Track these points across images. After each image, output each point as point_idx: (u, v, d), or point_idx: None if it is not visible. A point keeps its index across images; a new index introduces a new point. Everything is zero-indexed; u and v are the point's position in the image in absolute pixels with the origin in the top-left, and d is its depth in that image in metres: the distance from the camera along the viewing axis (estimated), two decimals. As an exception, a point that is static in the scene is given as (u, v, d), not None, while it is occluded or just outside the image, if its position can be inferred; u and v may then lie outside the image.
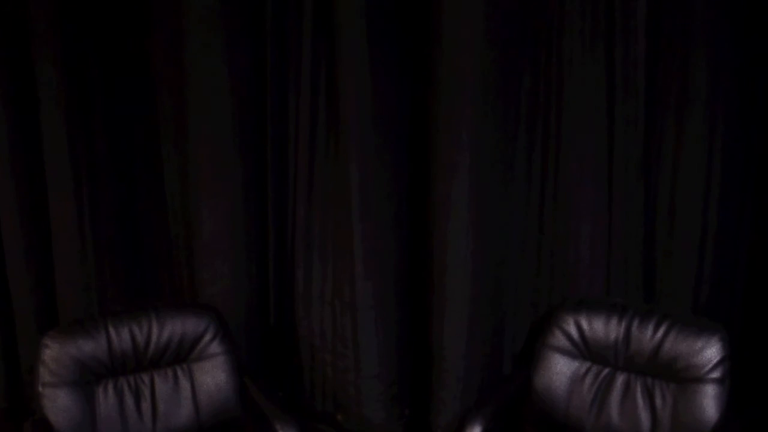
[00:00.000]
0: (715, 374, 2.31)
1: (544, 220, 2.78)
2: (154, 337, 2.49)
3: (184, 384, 2.53)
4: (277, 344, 3.08)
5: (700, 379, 2.33)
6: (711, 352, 2.33)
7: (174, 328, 2.51)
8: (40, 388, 2.33)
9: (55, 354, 2.35)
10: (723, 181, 2.58)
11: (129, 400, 2.46)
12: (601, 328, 2.50)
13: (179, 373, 2.53)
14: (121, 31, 2.81)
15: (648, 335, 2.43)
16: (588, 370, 2.52)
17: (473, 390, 2.84)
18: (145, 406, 2.48)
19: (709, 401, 2.30)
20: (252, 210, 2.91)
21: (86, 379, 2.39)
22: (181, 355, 2.53)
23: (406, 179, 2.84)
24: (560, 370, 2.53)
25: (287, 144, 2.90)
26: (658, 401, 2.41)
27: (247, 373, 2.63)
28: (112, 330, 2.44)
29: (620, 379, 2.49)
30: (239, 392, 2.55)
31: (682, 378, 2.36)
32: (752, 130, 2.58)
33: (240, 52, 2.76)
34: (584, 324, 2.51)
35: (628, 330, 2.46)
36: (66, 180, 2.81)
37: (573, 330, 2.52)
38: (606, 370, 2.51)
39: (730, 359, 2.33)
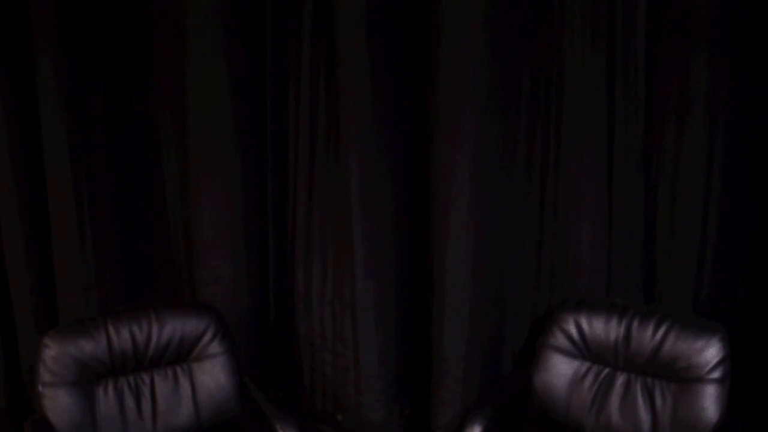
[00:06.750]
0: (716, 374, 2.31)
1: (544, 220, 2.78)
2: (154, 337, 2.49)
3: (184, 384, 2.53)
4: (277, 344, 3.08)
5: (701, 380, 2.33)
6: (711, 352, 2.33)
7: (174, 328, 2.51)
8: (41, 388, 2.33)
9: (55, 354, 2.35)
10: (723, 181, 2.58)
11: (129, 400, 2.46)
12: (602, 328, 2.50)
13: (179, 372, 2.53)
14: (122, 30, 2.81)
15: (648, 335, 2.43)
16: (588, 370, 2.52)
17: (473, 390, 2.84)
18: (146, 405, 2.48)
19: (710, 401, 2.30)
20: (252, 210, 2.91)
21: (86, 378, 2.39)
22: (181, 355, 2.53)
23: (406, 179, 2.84)
24: (560, 370, 2.53)
25: (287, 144, 2.90)
26: (659, 401, 2.41)
27: (247, 373, 2.63)
28: (112, 330, 2.44)
29: (620, 380, 2.49)
30: (239, 392, 2.55)
31: (683, 378, 2.36)
32: (753, 130, 2.58)
33: (240, 52, 2.76)
34: (584, 324, 2.51)
35: (628, 330, 2.46)
36: (66, 180, 2.81)
37: (573, 330, 2.52)
38: (606, 370, 2.51)
39: (730, 359, 2.33)
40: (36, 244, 2.89)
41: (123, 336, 2.45)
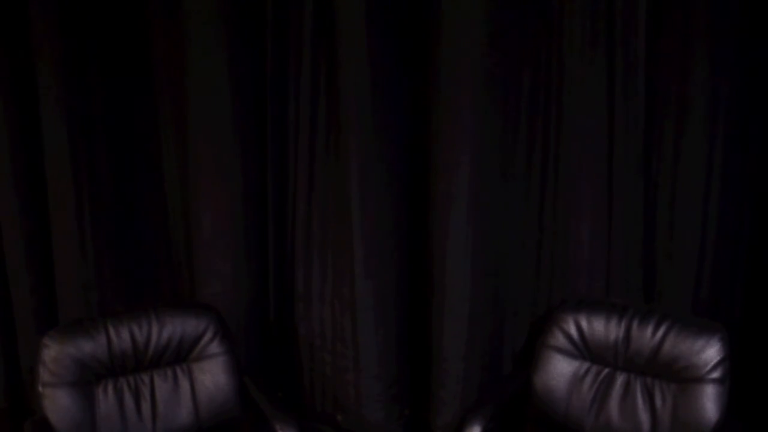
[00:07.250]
0: (716, 374, 2.31)
1: (544, 220, 2.78)
2: (154, 337, 2.49)
3: (184, 384, 2.53)
4: (277, 344, 3.08)
5: (701, 379, 2.33)
6: (711, 352, 2.33)
7: (174, 328, 2.51)
8: (40, 388, 2.33)
9: (55, 354, 2.35)
10: (723, 181, 2.58)
11: (129, 400, 2.46)
12: (601, 328, 2.50)
13: (179, 373, 2.53)
14: (122, 31, 2.81)
15: (648, 335, 2.43)
16: (588, 370, 2.52)
17: (473, 390, 2.84)
18: (145, 406, 2.48)
19: (709, 401, 2.30)
20: (252, 210, 2.91)
21: (86, 379, 2.39)
22: (180, 355, 2.53)
23: (406, 178, 2.84)
24: (560, 370, 2.53)
25: (287, 144, 2.90)
26: (658, 401, 2.41)
27: (247, 373, 2.63)
28: (112, 330, 2.44)
29: (620, 380, 2.49)
30: (239, 392, 2.55)
31: (682, 378, 2.36)
32: (753, 130, 2.58)
33: (240, 53, 2.76)
34: (584, 324, 2.51)
35: (628, 330, 2.46)
36: (66, 180, 2.81)
37: (573, 330, 2.52)
38: (606, 371, 2.51)
39: (730, 359, 2.33)
40: (36, 244, 2.88)
41: (123, 336, 2.45)
